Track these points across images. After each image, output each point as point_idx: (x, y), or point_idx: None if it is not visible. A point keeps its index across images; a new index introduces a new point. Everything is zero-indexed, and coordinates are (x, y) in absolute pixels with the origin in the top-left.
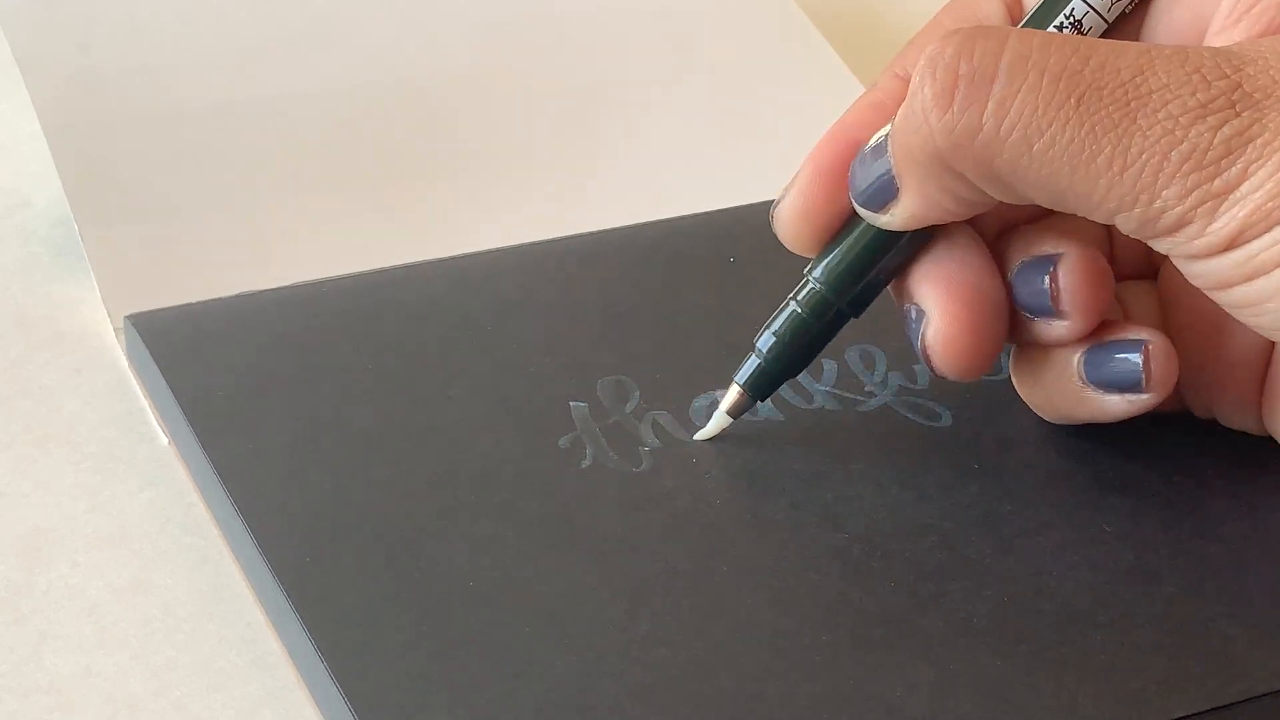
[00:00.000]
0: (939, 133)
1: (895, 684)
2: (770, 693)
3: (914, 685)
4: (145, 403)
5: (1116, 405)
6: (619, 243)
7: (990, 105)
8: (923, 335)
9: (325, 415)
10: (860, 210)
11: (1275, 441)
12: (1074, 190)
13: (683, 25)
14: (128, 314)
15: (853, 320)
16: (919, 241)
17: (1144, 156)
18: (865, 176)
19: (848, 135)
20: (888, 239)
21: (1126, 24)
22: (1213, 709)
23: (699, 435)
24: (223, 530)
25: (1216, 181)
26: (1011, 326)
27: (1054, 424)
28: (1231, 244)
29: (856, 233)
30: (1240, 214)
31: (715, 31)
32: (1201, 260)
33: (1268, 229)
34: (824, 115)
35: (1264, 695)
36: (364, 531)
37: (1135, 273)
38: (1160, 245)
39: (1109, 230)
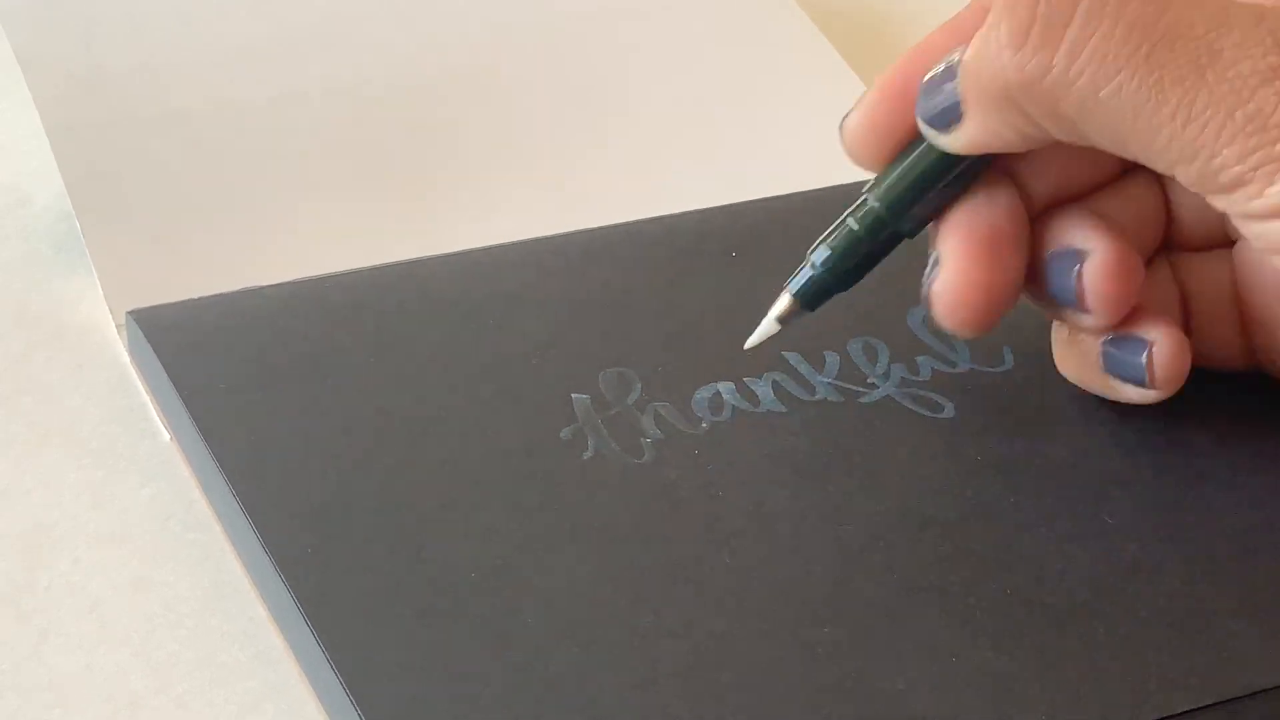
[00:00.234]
0: (1010, 68)
1: (897, 676)
2: (772, 684)
3: (916, 678)
4: (147, 399)
5: (1132, 394)
6: (621, 237)
7: (1063, 48)
8: (931, 282)
9: (327, 410)
10: (923, 127)
11: None
12: (1136, 138)
13: (683, 25)
14: (129, 310)
15: (853, 317)
16: (975, 170)
17: (1208, 113)
18: (933, 95)
19: (923, 58)
20: (945, 163)
21: None
22: (1217, 703)
23: (747, 343)
24: (224, 526)
25: (1278, 146)
26: (1045, 304)
27: (1055, 417)
28: None
29: (915, 154)
30: None
31: (715, 31)
32: (1259, 221)
33: None
34: (824, 113)
35: (1268, 690)
36: (365, 525)
37: (1204, 242)
38: (1218, 202)
39: (1167, 202)
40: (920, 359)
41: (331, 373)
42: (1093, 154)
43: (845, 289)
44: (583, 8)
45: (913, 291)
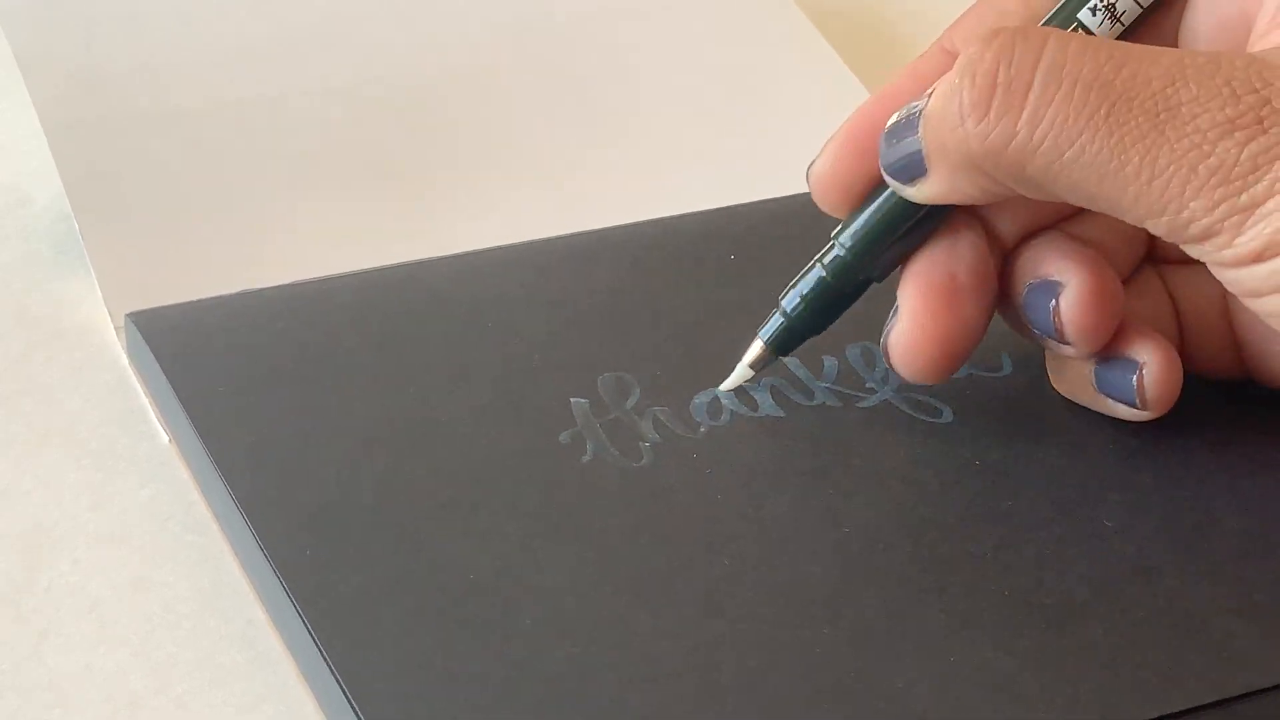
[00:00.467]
0: (974, 137)
1: (896, 678)
2: (771, 687)
3: (915, 679)
4: (146, 400)
5: (1125, 413)
6: (620, 240)
7: (1025, 114)
8: (888, 331)
9: (326, 412)
10: (887, 177)
11: None
12: (1103, 195)
13: (683, 25)
14: (128, 312)
15: (853, 318)
16: (941, 213)
17: (1170, 169)
18: (895, 146)
19: (886, 106)
20: (911, 210)
21: (1169, 11)
22: (1214, 703)
23: (721, 388)
24: (223, 527)
25: (1243, 196)
26: (1028, 335)
27: (1053, 421)
28: (1259, 257)
29: (881, 200)
30: (1267, 230)
31: (715, 31)
32: (1231, 269)
33: None
34: (824, 115)
35: (1266, 689)
36: (365, 528)
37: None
38: (1191, 250)
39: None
40: None
41: (330, 375)
42: None
43: (817, 333)
44: (582, 8)
45: None
